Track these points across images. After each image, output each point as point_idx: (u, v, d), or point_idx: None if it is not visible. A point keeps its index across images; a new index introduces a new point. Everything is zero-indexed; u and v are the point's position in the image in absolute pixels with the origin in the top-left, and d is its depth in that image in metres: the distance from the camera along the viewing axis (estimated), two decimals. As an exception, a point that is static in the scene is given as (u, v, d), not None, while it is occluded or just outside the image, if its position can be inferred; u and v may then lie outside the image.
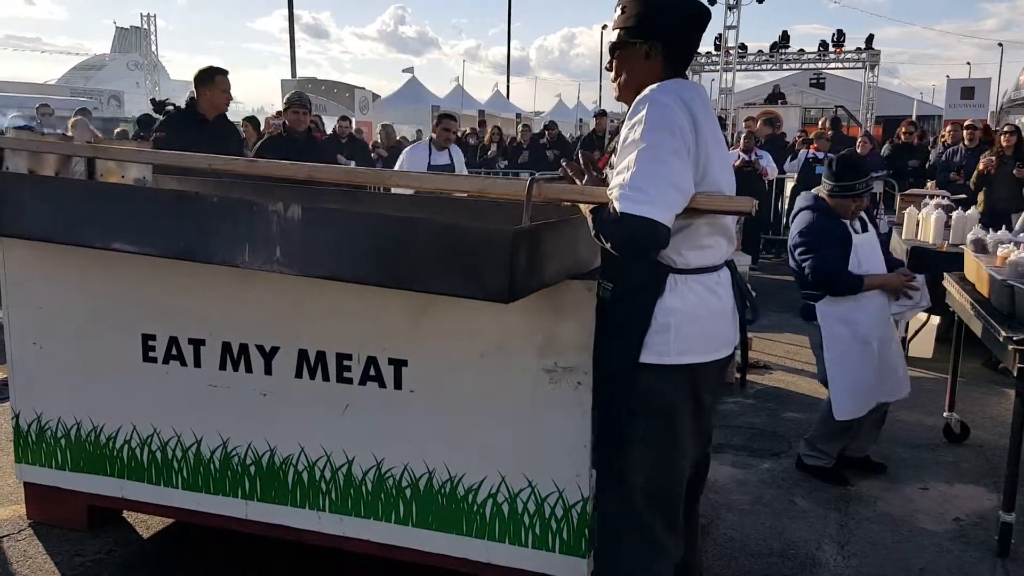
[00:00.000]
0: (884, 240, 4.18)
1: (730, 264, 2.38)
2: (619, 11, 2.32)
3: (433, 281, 2.27)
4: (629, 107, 2.23)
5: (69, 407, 3.21)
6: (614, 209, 2.05)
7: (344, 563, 3.04)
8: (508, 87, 35.81)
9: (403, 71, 28.72)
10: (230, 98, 5.60)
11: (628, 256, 2.15)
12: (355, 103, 19.95)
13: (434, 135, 7.11)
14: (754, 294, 2.41)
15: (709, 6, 2.38)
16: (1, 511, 3.53)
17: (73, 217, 2.81)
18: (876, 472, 4.15)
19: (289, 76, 22.20)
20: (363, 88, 21.43)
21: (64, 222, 2.81)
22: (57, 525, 3.36)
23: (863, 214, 4.05)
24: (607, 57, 2.39)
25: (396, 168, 6.78)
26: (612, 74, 2.37)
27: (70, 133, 8.97)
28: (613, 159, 2.21)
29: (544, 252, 2.33)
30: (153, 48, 34.76)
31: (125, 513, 3.45)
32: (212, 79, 5.42)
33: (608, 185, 2.19)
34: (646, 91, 2.14)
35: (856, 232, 3.98)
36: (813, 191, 4.11)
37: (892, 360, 3.98)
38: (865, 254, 3.97)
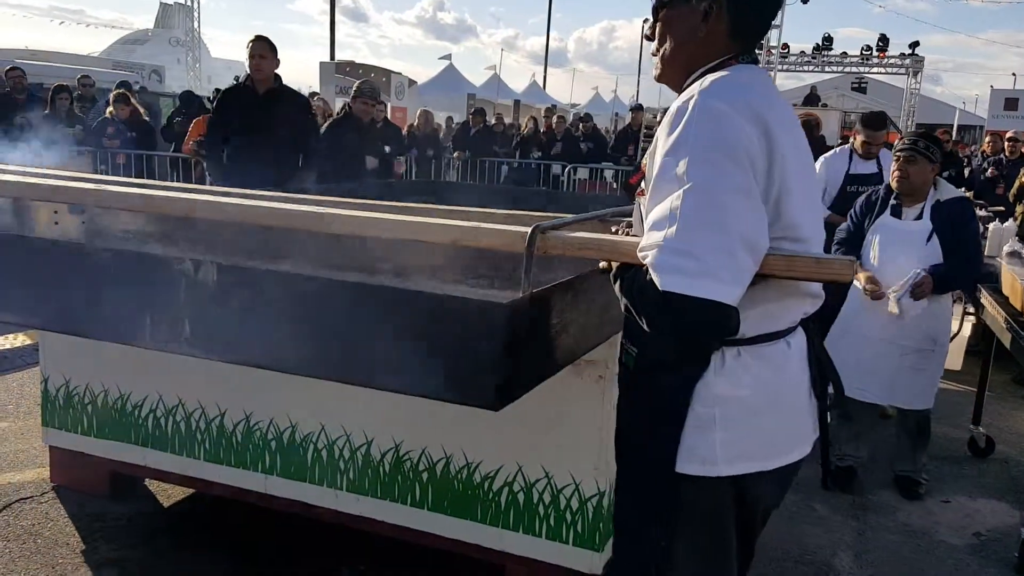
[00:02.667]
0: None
1: (806, 324, 1.68)
2: None
3: (392, 377, 1.69)
4: (673, 90, 1.63)
5: (97, 374, 3.26)
6: (652, 282, 1.41)
7: (358, 542, 3.07)
8: (545, 78, 35.74)
9: (440, 58, 28.71)
10: (258, 66, 5.28)
11: (677, 342, 1.55)
12: (391, 88, 19.99)
13: (855, 139, 5.40)
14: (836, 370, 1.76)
15: None
16: (26, 473, 3.60)
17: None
18: (905, 492, 4.00)
19: (328, 58, 22.32)
20: (400, 73, 21.45)
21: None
22: (79, 490, 3.41)
23: (949, 205, 3.85)
24: (649, 20, 1.71)
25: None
26: (654, 44, 1.68)
27: (111, 109, 9.09)
28: (644, 185, 1.58)
29: (555, 327, 1.75)
30: (196, 25, 35.04)
31: (147, 481, 3.50)
32: (247, 47, 5.31)
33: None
34: (692, 90, 1.48)
35: (898, 217, 3.89)
36: None
37: (886, 363, 3.84)
38: (886, 239, 3.86)
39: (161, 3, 40.79)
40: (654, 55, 1.69)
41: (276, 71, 5.44)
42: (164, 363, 3.10)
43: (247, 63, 5.34)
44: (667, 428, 1.57)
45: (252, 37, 5.36)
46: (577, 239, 1.68)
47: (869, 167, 5.28)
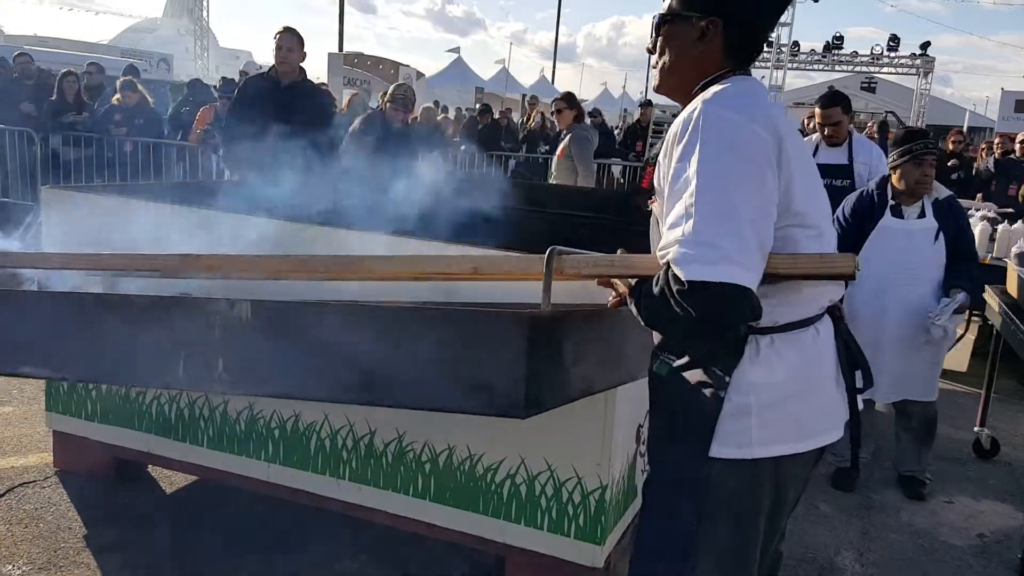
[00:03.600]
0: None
1: (833, 311, 1.77)
2: None
3: (423, 395, 1.69)
4: (671, 99, 1.75)
5: (101, 360, 3.25)
6: (675, 276, 1.47)
7: (359, 531, 3.07)
8: (554, 72, 35.60)
9: (448, 51, 28.62)
10: (285, 58, 5.24)
11: (704, 339, 1.61)
12: (399, 80, 19.99)
13: (814, 123, 4.85)
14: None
15: None
16: (29, 458, 3.60)
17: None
18: (909, 492, 3.99)
19: (336, 49, 22.31)
20: (408, 66, 21.45)
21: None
22: (83, 475, 3.42)
23: (943, 202, 3.85)
24: (651, 35, 1.85)
25: None
26: (654, 57, 1.81)
27: (119, 96, 9.09)
28: (657, 182, 1.67)
29: (577, 349, 1.76)
30: (205, 14, 35.05)
31: (149, 467, 3.50)
32: (274, 38, 5.21)
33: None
34: (696, 102, 1.59)
35: (900, 217, 3.85)
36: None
37: (899, 360, 3.82)
38: (894, 241, 3.82)
39: (170, -8, 40.76)
40: (654, 67, 1.83)
41: (301, 64, 5.38)
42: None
43: (274, 54, 5.26)
44: (704, 416, 1.63)
45: (281, 28, 5.28)
46: (591, 258, 1.73)
47: (837, 156, 4.69)
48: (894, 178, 3.88)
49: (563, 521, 2.64)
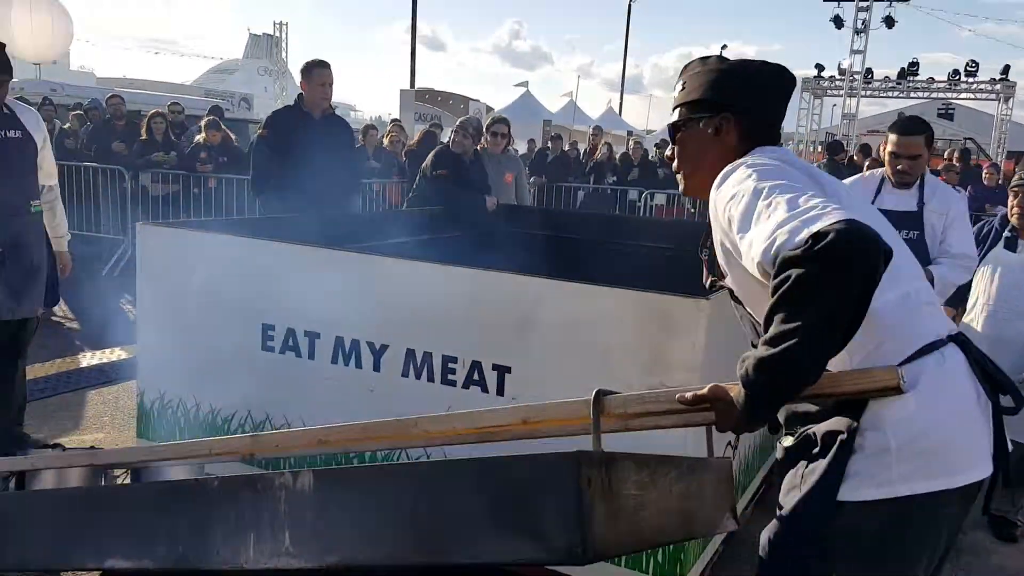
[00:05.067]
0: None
1: (956, 336, 1.64)
2: (679, 87, 1.87)
3: (481, 548, 1.58)
4: (702, 198, 1.76)
5: (190, 388, 3.38)
6: (792, 255, 1.35)
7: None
8: (621, 104, 35.74)
9: (516, 85, 28.88)
10: (327, 93, 5.23)
11: (851, 288, 1.33)
12: (469, 114, 20.31)
13: (883, 154, 4.04)
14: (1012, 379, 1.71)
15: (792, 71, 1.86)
16: (121, 482, 3.74)
17: (57, 537, 2.26)
18: (999, 533, 3.81)
19: (407, 86, 22.83)
20: (477, 100, 21.80)
21: (44, 545, 2.27)
22: (170, 500, 3.53)
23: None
24: (669, 146, 1.93)
25: None
26: (675, 164, 1.89)
27: (203, 134, 9.48)
28: (723, 263, 1.72)
29: (638, 492, 1.63)
30: (283, 55, 36.27)
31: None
32: (310, 72, 5.17)
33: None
34: (726, 168, 1.66)
35: (1013, 251, 3.75)
36: None
37: None
38: (1005, 275, 3.74)
39: (250, 34, 42.36)
40: (677, 173, 1.89)
41: None
42: (252, 379, 3.21)
43: (310, 88, 5.19)
44: (834, 464, 1.55)
45: (314, 62, 5.22)
46: (636, 396, 1.66)
47: (904, 202, 3.76)
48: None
49: (641, 558, 2.63)
